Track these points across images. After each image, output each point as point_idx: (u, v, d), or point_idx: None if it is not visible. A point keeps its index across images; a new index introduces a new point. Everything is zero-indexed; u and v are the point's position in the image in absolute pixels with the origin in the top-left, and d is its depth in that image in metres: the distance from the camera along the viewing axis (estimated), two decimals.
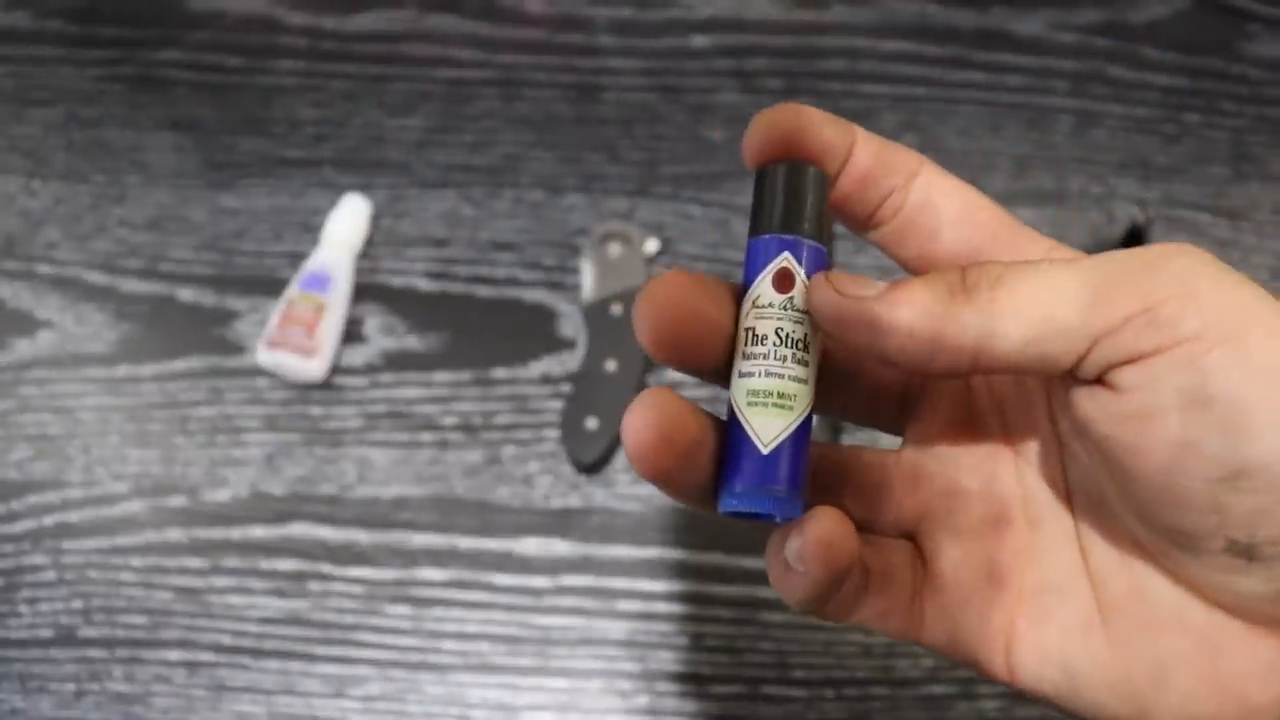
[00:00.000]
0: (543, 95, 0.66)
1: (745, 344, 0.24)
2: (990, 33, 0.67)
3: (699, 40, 0.67)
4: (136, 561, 0.55)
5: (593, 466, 0.56)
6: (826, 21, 0.68)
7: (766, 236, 0.24)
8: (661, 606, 0.53)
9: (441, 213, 0.63)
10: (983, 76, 0.66)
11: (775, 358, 0.24)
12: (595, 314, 0.58)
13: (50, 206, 0.64)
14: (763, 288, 0.24)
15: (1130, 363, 0.22)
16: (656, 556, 0.54)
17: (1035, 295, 0.22)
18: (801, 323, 0.24)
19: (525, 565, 0.54)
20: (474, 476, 0.56)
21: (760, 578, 0.54)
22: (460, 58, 0.67)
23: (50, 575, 0.55)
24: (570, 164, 0.64)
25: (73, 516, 0.56)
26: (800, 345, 0.24)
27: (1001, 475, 0.26)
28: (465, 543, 0.55)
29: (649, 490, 0.56)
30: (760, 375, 0.24)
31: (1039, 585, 0.25)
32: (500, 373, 0.58)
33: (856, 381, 0.27)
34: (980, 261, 0.24)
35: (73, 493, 0.56)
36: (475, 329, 0.60)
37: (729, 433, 0.24)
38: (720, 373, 0.25)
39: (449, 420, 0.58)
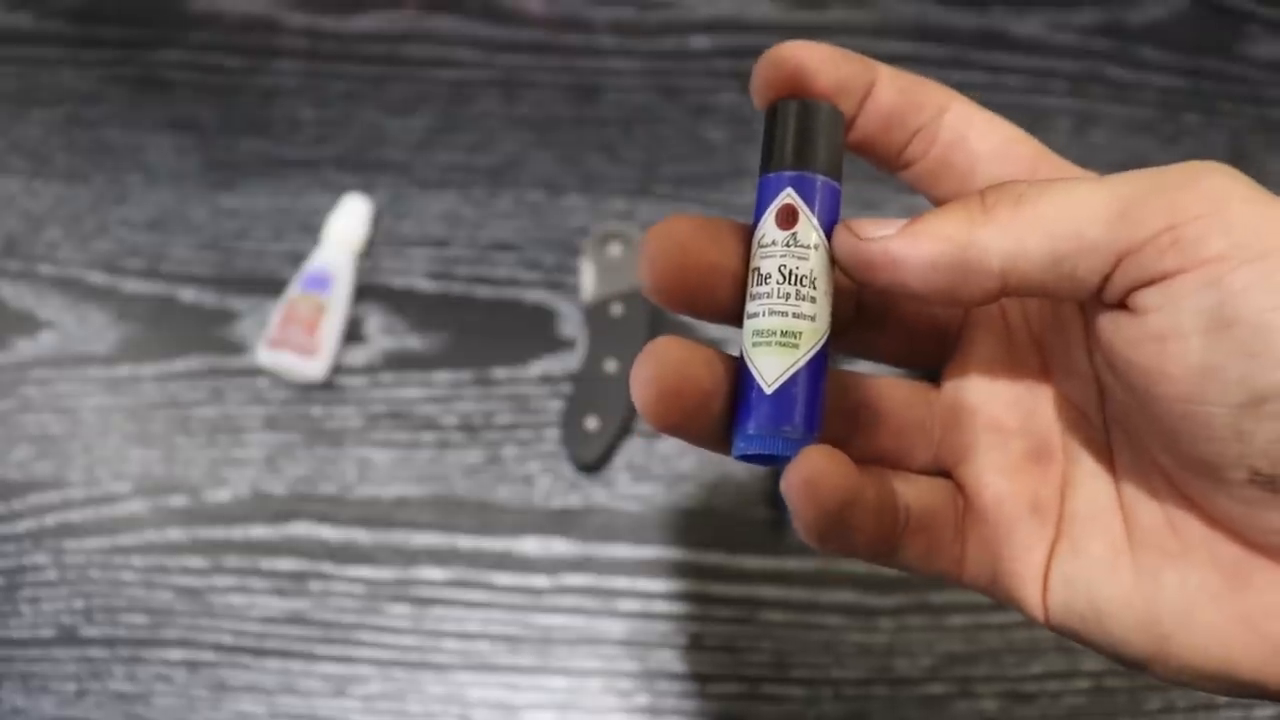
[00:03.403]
0: (543, 95, 0.66)
1: (751, 284, 0.24)
2: (989, 33, 0.67)
3: (699, 40, 0.67)
4: (138, 561, 0.55)
5: (593, 466, 0.56)
6: (826, 22, 0.68)
7: (771, 174, 0.24)
8: (661, 606, 0.53)
9: (442, 213, 0.63)
10: (982, 77, 0.66)
11: (779, 295, 0.23)
12: (595, 314, 0.58)
13: (51, 206, 0.64)
14: (766, 226, 0.24)
15: (1152, 283, 0.21)
16: (656, 556, 0.54)
17: (1060, 211, 0.21)
18: (806, 258, 0.23)
19: (525, 565, 0.54)
20: (474, 476, 0.56)
21: (760, 577, 0.54)
22: (461, 58, 0.67)
23: (52, 575, 0.55)
24: (570, 164, 0.64)
25: (74, 516, 0.56)
26: (806, 282, 0.23)
27: (1041, 410, 0.26)
28: (465, 542, 0.55)
29: (649, 490, 0.56)
30: (764, 315, 0.23)
31: (1072, 517, 0.25)
32: (500, 373, 0.59)
33: (891, 324, 0.27)
34: (1001, 183, 0.23)
35: (74, 492, 0.56)
36: (475, 329, 0.60)
37: (739, 376, 0.24)
38: (734, 317, 0.24)
39: (449, 420, 0.58)
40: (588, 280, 0.59)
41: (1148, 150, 0.64)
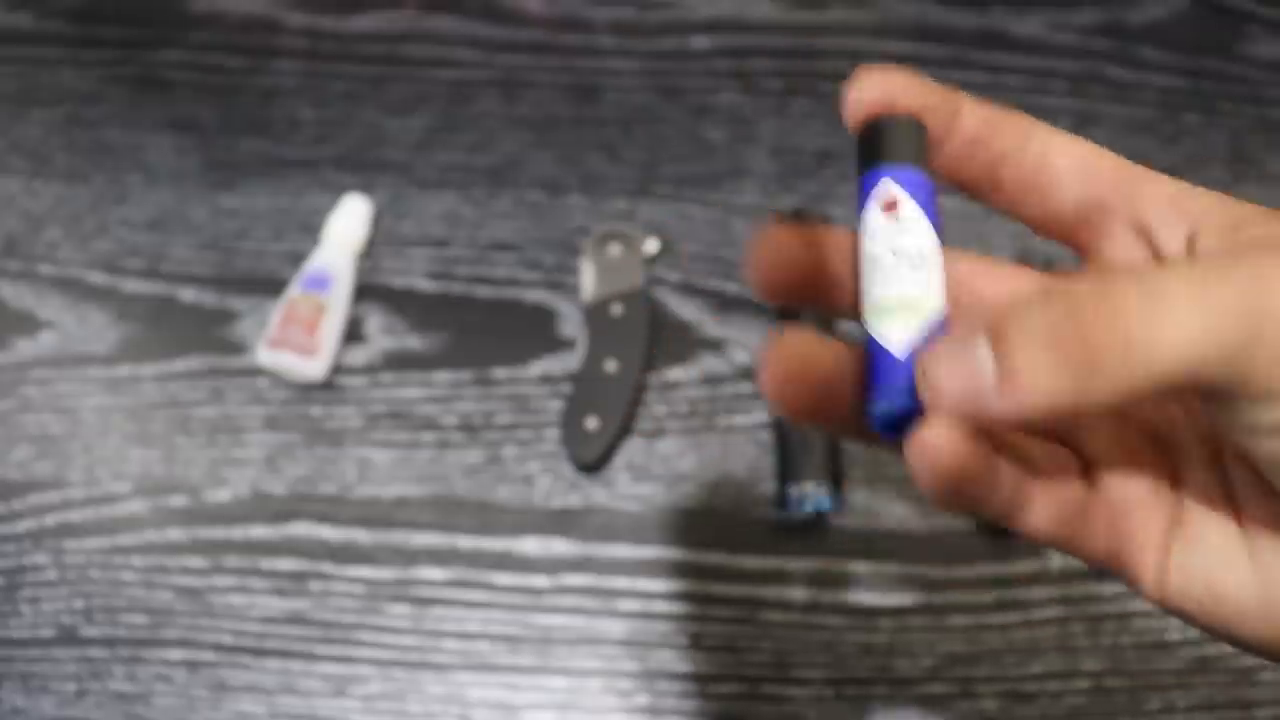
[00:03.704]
0: (543, 95, 0.66)
1: (865, 269, 0.24)
2: (989, 33, 0.67)
3: (699, 41, 0.67)
4: (138, 561, 0.55)
5: (593, 466, 0.56)
6: (826, 22, 0.68)
7: (867, 173, 0.25)
8: (661, 606, 0.53)
9: (442, 213, 0.63)
10: (982, 77, 0.66)
11: (892, 271, 0.24)
12: (595, 314, 0.58)
13: (52, 207, 0.64)
14: (870, 215, 0.25)
15: None
16: (656, 556, 0.54)
17: (1176, 337, 0.20)
18: (912, 235, 0.24)
19: (525, 565, 0.54)
20: (474, 476, 0.56)
21: (760, 577, 0.54)
22: (460, 58, 0.67)
23: (52, 575, 0.55)
24: (570, 164, 0.64)
25: (74, 516, 0.56)
26: (917, 257, 0.24)
27: (1159, 400, 0.26)
28: (465, 542, 0.55)
29: (649, 490, 0.56)
30: (880, 287, 0.24)
31: (1189, 505, 0.25)
32: (500, 373, 0.59)
33: None
34: (1092, 292, 0.21)
35: (74, 492, 0.56)
36: (475, 329, 0.60)
37: (868, 354, 0.24)
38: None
39: (449, 420, 0.58)
40: (588, 280, 0.59)
41: (1148, 150, 0.64)
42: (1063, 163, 0.25)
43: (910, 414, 0.23)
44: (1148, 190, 0.25)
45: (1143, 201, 0.24)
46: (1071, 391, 0.20)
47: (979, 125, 0.25)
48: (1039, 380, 0.20)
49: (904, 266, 0.24)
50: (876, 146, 0.25)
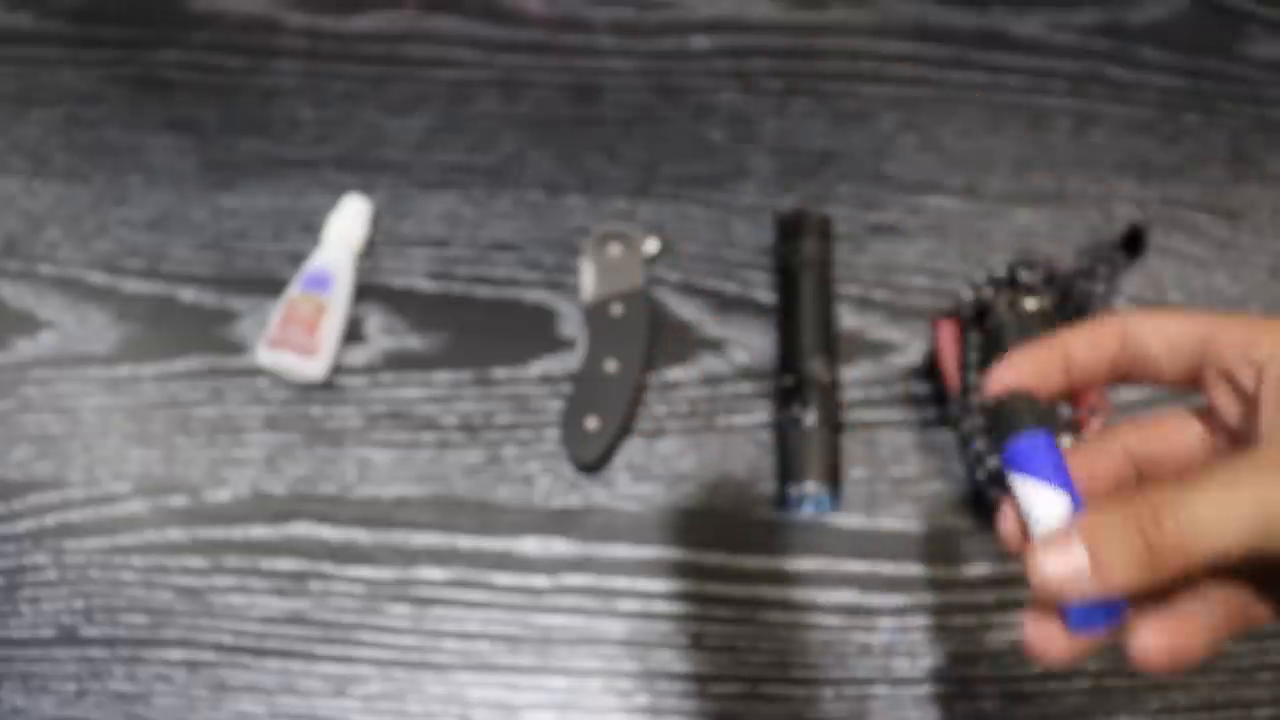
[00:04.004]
0: (543, 95, 0.66)
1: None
2: (989, 33, 0.67)
3: (699, 40, 0.67)
4: (138, 561, 0.55)
5: (593, 466, 0.56)
6: (826, 22, 0.68)
7: (1003, 444, 0.32)
8: (661, 606, 0.53)
9: (442, 213, 0.63)
10: (982, 77, 0.66)
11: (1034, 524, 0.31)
12: (595, 314, 0.58)
13: (51, 206, 0.64)
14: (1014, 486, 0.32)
15: None
16: (656, 556, 0.54)
17: (1213, 525, 0.27)
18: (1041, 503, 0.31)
19: (525, 565, 0.54)
20: (474, 476, 0.56)
21: (761, 577, 0.54)
22: (460, 58, 0.67)
23: (52, 575, 0.55)
24: (570, 164, 0.64)
25: (74, 516, 0.56)
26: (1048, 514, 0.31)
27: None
28: (465, 542, 0.55)
29: (649, 490, 0.56)
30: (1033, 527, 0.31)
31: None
32: (500, 373, 0.59)
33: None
34: (1138, 505, 0.28)
35: (74, 492, 0.56)
36: (475, 329, 0.60)
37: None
38: None
39: (449, 420, 0.58)
40: (588, 280, 0.59)
41: (1148, 150, 0.64)
42: (1155, 348, 0.32)
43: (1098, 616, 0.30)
44: (1222, 340, 0.31)
45: (1220, 351, 0.31)
46: (1140, 577, 0.28)
47: (1085, 351, 0.33)
48: (1116, 570, 0.28)
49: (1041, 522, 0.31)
50: (1001, 421, 0.32)
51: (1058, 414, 0.35)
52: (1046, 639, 0.30)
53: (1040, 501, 0.31)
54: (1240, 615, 0.31)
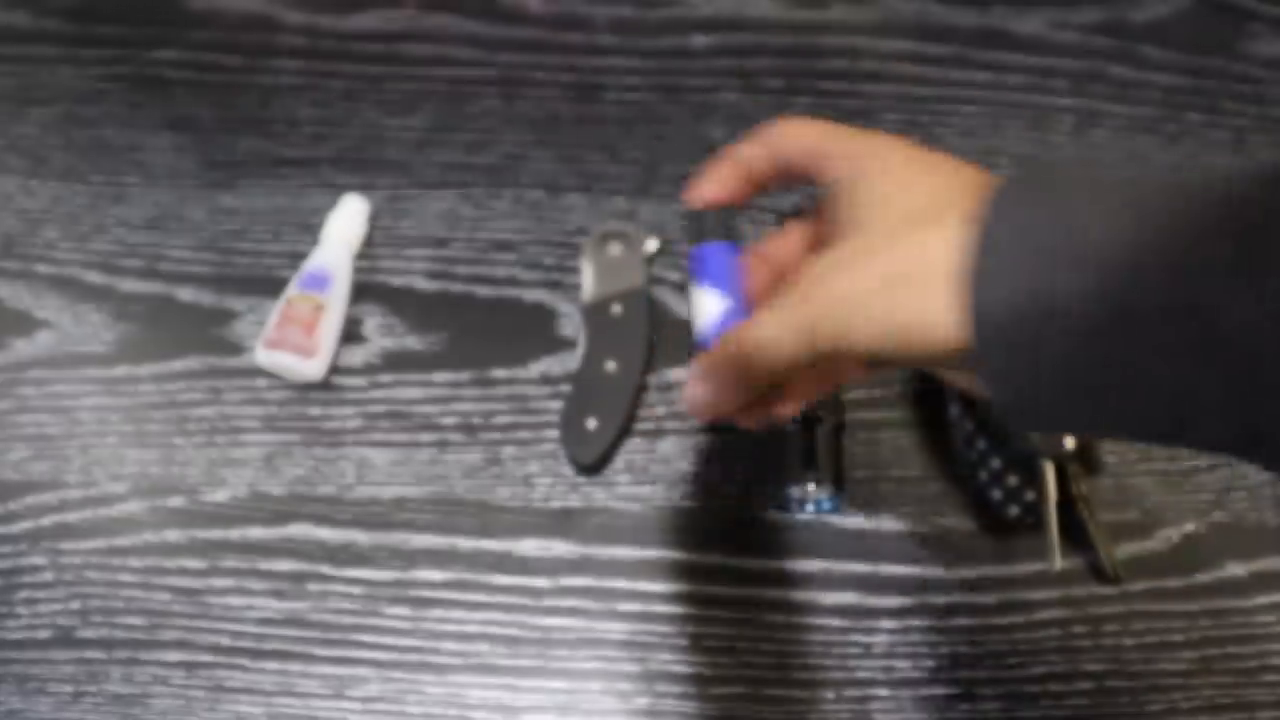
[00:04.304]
0: (543, 95, 0.66)
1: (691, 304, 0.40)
2: (991, 32, 0.67)
3: (699, 40, 0.67)
4: (135, 562, 0.55)
5: (593, 466, 0.55)
6: (827, 21, 0.68)
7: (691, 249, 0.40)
8: (661, 607, 0.53)
9: (441, 213, 0.63)
10: (983, 76, 0.66)
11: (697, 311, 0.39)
12: (595, 314, 0.58)
13: (49, 206, 0.63)
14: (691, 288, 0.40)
15: None
16: (656, 557, 0.54)
17: (774, 344, 0.34)
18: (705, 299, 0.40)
19: (525, 566, 0.54)
20: (474, 477, 0.56)
21: (761, 578, 0.54)
22: (460, 57, 0.67)
23: (48, 576, 0.55)
24: (570, 164, 0.64)
25: (71, 517, 0.56)
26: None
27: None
28: (465, 543, 0.55)
29: (649, 490, 0.55)
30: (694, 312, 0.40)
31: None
32: (500, 373, 0.58)
33: None
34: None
35: (71, 493, 0.56)
36: (475, 329, 0.60)
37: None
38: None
39: (448, 420, 0.57)
40: (588, 280, 0.59)
41: (1150, 149, 0.64)
42: (795, 158, 0.37)
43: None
44: (836, 154, 0.36)
45: (832, 165, 0.36)
46: (740, 397, 0.36)
47: (758, 165, 0.38)
48: (702, 394, 0.36)
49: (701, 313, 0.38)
50: (690, 231, 0.39)
51: (740, 228, 0.40)
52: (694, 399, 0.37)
53: (705, 304, 0.38)
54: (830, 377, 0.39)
